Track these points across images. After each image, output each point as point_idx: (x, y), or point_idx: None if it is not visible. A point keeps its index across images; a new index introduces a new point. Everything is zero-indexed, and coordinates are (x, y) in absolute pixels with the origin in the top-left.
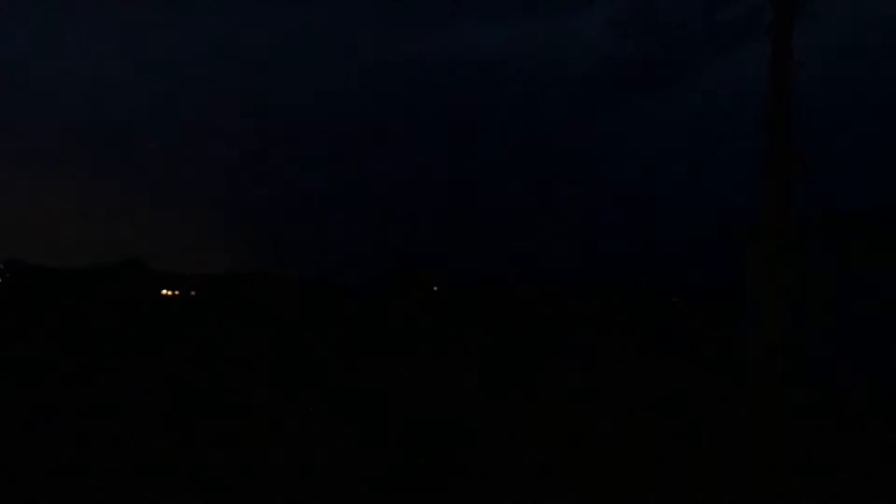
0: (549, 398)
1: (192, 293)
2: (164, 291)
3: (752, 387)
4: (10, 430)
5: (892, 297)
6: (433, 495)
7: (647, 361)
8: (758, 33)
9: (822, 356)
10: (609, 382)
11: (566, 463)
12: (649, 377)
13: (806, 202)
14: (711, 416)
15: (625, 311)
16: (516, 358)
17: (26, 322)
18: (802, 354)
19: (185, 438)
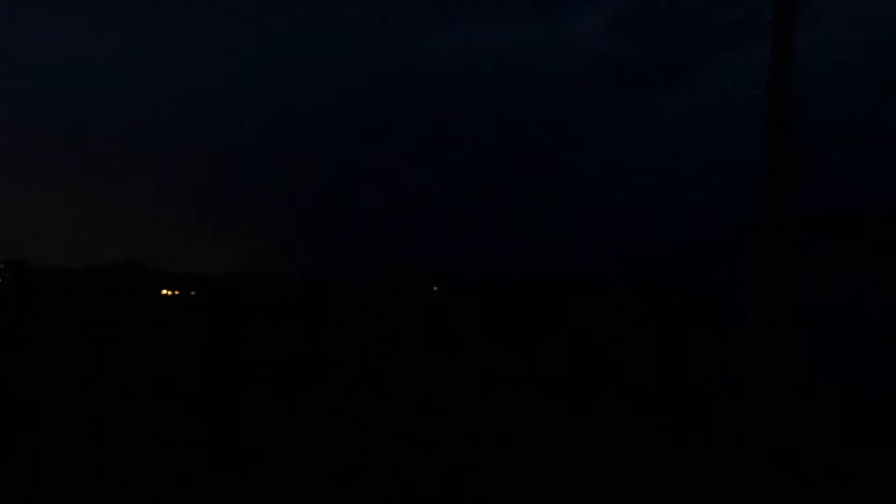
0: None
1: (193, 293)
2: (164, 291)
3: (753, 387)
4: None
5: (892, 297)
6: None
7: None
8: (757, 34)
9: (822, 355)
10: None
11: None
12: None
13: (806, 202)
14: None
15: (625, 311)
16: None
17: (26, 322)
18: (802, 354)
19: (183, 437)
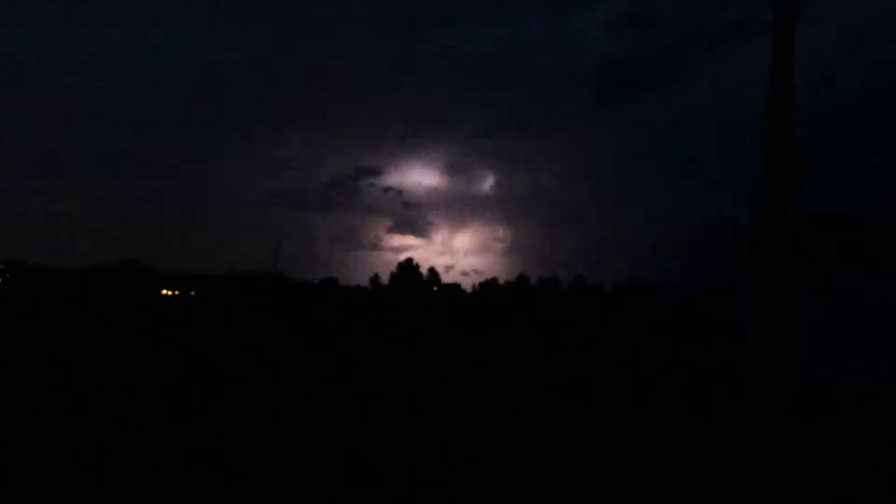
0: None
1: (193, 293)
2: (164, 291)
3: (753, 387)
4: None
5: (889, 295)
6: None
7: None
8: (758, 35)
9: (821, 354)
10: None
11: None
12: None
13: (805, 202)
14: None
15: (625, 312)
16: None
17: (26, 322)
18: (801, 353)
19: (185, 436)
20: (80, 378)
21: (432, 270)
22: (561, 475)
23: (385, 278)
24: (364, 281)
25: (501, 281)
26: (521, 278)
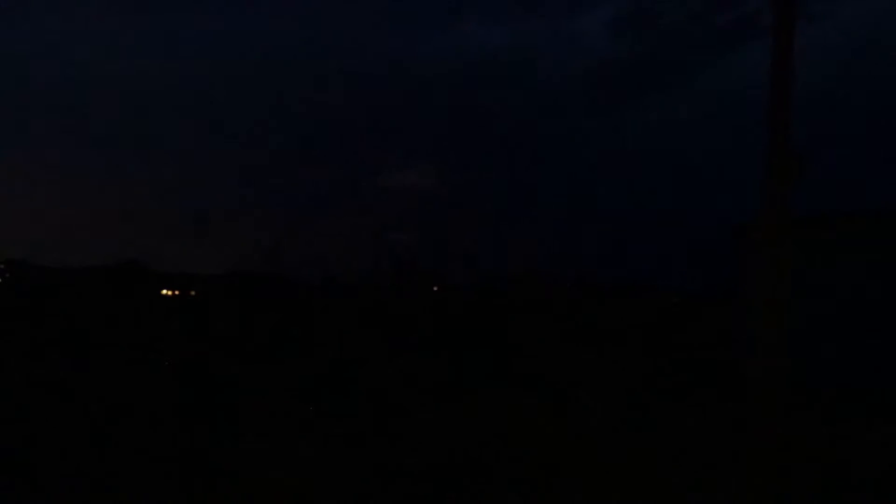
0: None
1: (192, 293)
2: (164, 291)
3: (753, 387)
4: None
5: (888, 296)
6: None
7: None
8: (756, 35)
9: (821, 355)
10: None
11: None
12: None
13: (805, 202)
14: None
15: (625, 311)
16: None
17: (27, 322)
18: (800, 354)
19: (186, 436)
20: (78, 379)
21: (432, 270)
22: (558, 472)
23: (385, 278)
24: (364, 281)
25: (502, 279)
26: (521, 276)
